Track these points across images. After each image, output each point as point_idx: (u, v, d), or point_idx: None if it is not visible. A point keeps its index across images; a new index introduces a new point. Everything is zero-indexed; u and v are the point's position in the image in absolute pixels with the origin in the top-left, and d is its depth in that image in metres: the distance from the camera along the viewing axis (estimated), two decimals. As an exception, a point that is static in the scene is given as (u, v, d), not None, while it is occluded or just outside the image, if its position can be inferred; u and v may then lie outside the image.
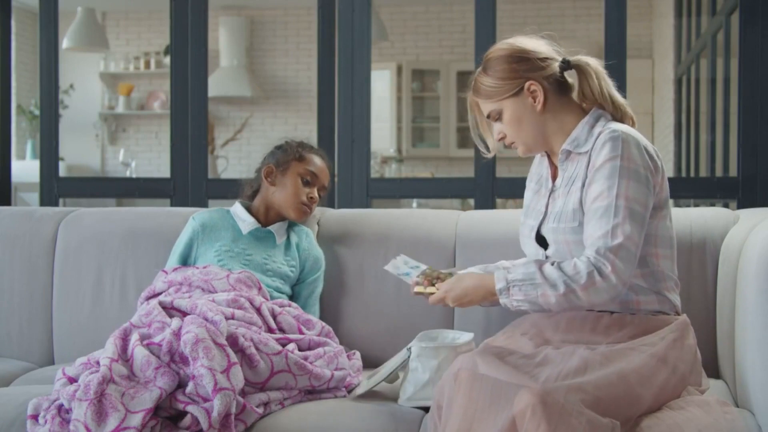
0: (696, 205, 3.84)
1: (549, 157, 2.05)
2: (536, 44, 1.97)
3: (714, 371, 2.15)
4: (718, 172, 4.64)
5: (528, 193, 2.10)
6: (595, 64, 1.99)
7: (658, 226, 1.89)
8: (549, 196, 1.99)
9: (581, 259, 1.80)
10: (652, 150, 1.89)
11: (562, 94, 1.97)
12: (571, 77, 1.99)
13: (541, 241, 1.99)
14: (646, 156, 1.85)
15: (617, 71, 3.19)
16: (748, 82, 3.13)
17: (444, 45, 7.83)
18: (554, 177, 2.02)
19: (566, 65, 1.97)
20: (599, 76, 1.97)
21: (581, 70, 1.97)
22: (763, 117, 3.12)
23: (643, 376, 1.72)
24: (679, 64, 6.06)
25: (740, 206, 3.11)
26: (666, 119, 6.50)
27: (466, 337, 2.04)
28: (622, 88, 3.19)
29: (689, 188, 3.54)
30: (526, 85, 1.93)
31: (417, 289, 2.04)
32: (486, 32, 3.22)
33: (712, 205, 3.71)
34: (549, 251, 1.96)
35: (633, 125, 1.96)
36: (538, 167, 2.10)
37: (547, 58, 1.96)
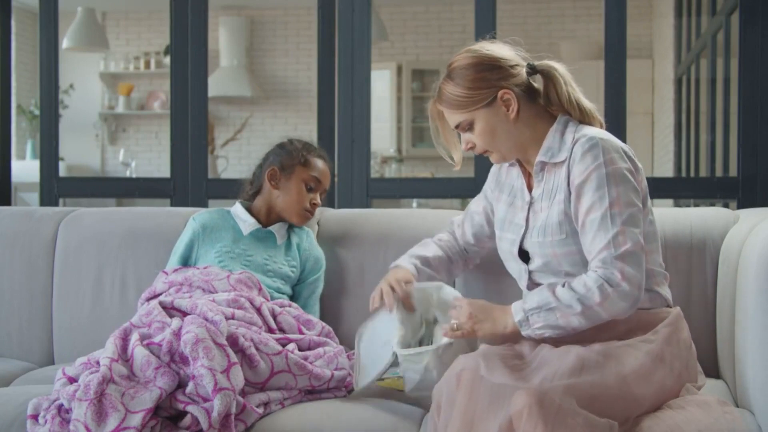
0: (696, 205, 3.84)
1: (521, 165, 2.00)
2: (502, 50, 1.92)
3: (714, 371, 2.15)
4: (718, 172, 4.64)
5: (500, 206, 2.04)
6: (562, 68, 1.93)
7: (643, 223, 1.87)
8: (529, 209, 1.94)
9: (589, 275, 1.77)
10: (628, 150, 1.87)
11: (532, 100, 1.92)
12: (537, 82, 1.94)
13: (523, 255, 1.95)
14: (624, 156, 1.84)
15: (617, 71, 3.19)
16: (748, 82, 3.12)
17: (444, 45, 7.83)
18: (530, 187, 1.97)
19: (532, 70, 1.92)
20: (566, 80, 1.92)
21: (547, 75, 1.92)
22: (763, 117, 3.12)
23: (641, 376, 1.72)
24: (679, 64, 6.06)
25: (740, 206, 3.11)
26: (666, 119, 6.50)
27: (449, 291, 2.01)
28: (622, 88, 3.22)
29: (689, 188, 3.54)
30: (500, 93, 1.87)
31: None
32: (486, 32, 3.20)
33: (712, 205, 3.71)
34: (532, 266, 1.93)
35: (602, 127, 1.93)
36: (507, 177, 2.05)
37: (516, 65, 1.91)
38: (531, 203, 1.94)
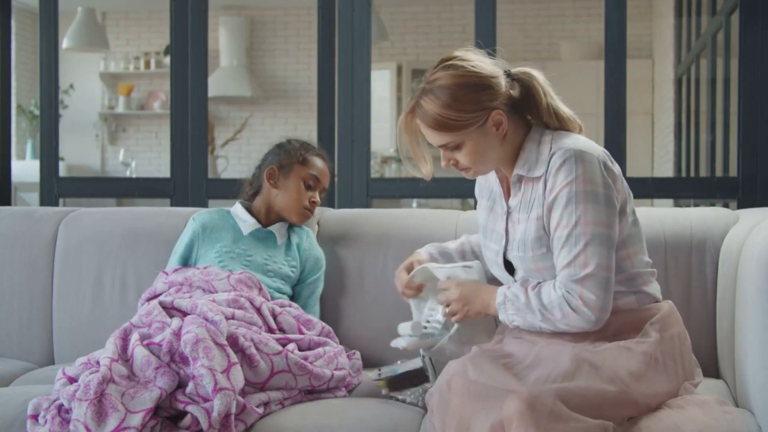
0: (696, 205, 3.84)
1: (499, 170, 1.97)
2: (484, 64, 1.84)
3: (714, 371, 2.15)
4: (718, 172, 4.64)
5: (482, 212, 2.02)
6: (540, 77, 1.88)
7: (624, 228, 1.86)
8: (507, 220, 1.93)
9: (556, 288, 1.78)
10: (605, 157, 1.83)
11: (512, 112, 1.86)
12: (514, 90, 1.87)
13: (509, 266, 1.95)
14: (601, 170, 1.79)
15: (617, 71, 3.19)
16: (748, 82, 3.12)
17: (444, 45, 7.83)
18: (507, 194, 1.95)
19: (509, 78, 1.86)
20: (544, 89, 1.87)
21: (526, 84, 1.87)
22: (763, 117, 3.12)
23: (635, 377, 1.71)
24: (679, 64, 6.06)
25: (740, 206, 3.11)
26: (666, 119, 6.50)
27: (473, 265, 2.01)
28: (622, 88, 3.22)
29: (689, 188, 3.54)
30: (492, 114, 1.81)
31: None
32: (486, 32, 3.22)
33: (712, 205, 3.71)
34: (517, 276, 1.93)
35: (580, 132, 1.90)
36: (486, 181, 2.03)
37: (499, 81, 1.83)
38: (509, 213, 1.93)
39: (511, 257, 1.93)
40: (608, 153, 1.87)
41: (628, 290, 1.87)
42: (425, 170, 1.95)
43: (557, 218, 1.79)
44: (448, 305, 1.96)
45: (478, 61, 1.85)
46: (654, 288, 1.92)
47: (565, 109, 1.91)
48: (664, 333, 1.83)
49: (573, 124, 1.91)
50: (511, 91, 1.86)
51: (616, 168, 1.86)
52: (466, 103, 1.80)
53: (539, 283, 1.83)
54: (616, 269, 1.82)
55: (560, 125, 1.89)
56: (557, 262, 1.80)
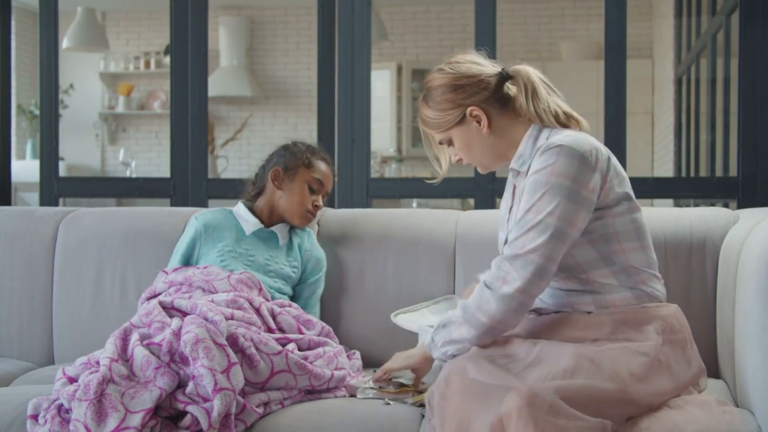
0: (696, 205, 3.84)
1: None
2: (471, 66, 1.94)
3: (714, 371, 2.15)
4: (718, 172, 4.64)
5: (502, 204, 2.09)
6: (530, 74, 1.92)
7: (615, 223, 1.85)
8: (509, 211, 1.98)
9: (480, 280, 1.82)
10: (594, 155, 1.82)
11: (506, 109, 1.94)
12: (510, 89, 1.94)
13: None
14: (578, 166, 1.79)
15: (617, 71, 3.19)
16: (748, 82, 3.13)
17: (444, 45, 7.83)
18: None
19: (505, 77, 1.94)
20: (535, 87, 1.91)
21: (519, 83, 1.92)
22: (763, 117, 3.12)
23: (637, 378, 1.70)
24: (679, 64, 6.06)
25: (740, 206, 3.11)
26: (666, 119, 6.50)
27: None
28: (622, 88, 3.22)
29: (689, 188, 3.55)
30: (468, 111, 1.92)
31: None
32: (486, 32, 3.22)
33: (712, 205, 3.71)
34: None
35: (582, 128, 1.92)
36: (509, 177, 2.07)
37: (483, 80, 1.92)
38: (512, 205, 1.98)
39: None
40: (602, 149, 1.86)
41: (623, 285, 1.86)
42: (444, 166, 2.06)
43: (521, 202, 1.83)
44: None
45: (469, 63, 1.95)
46: (655, 288, 1.90)
47: (563, 104, 1.94)
48: (671, 336, 1.82)
49: (573, 122, 1.92)
50: (507, 89, 1.94)
51: (609, 164, 1.85)
52: (442, 103, 1.94)
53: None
54: (607, 261, 1.84)
55: (559, 122, 1.91)
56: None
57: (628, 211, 1.88)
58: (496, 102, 1.93)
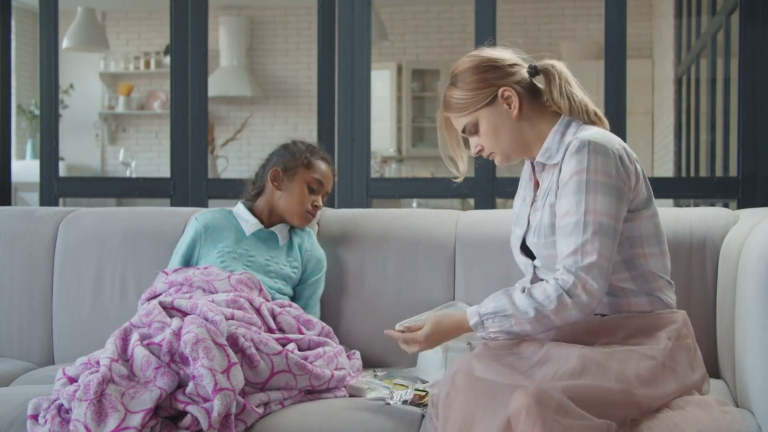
0: (696, 205, 3.84)
1: (532, 163, 2.01)
2: (502, 53, 1.95)
3: (714, 371, 2.15)
4: (718, 172, 4.64)
5: (516, 200, 2.06)
6: (562, 67, 1.95)
7: (641, 226, 1.86)
8: (531, 207, 1.96)
9: (550, 283, 1.78)
10: (625, 153, 1.84)
11: (535, 99, 1.93)
12: (540, 83, 1.95)
13: (528, 252, 1.97)
14: (616, 163, 1.80)
15: (617, 71, 3.19)
16: (748, 82, 3.13)
17: (444, 45, 7.83)
18: (536, 186, 1.99)
19: (534, 71, 1.94)
20: (566, 79, 1.93)
21: (548, 74, 1.93)
22: (763, 117, 3.12)
23: (643, 380, 1.71)
24: (679, 64, 6.06)
25: (740, 206, 3.11)
26: (666, 119, 6.50)
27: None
28: (622, 88, 3.22)
29: (689, 188, 3.54)
30: (500, 92, 1.90)
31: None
32: (486, 32, 3.22)
33: (712, 205, 3.71)
34: (536, 262, 1.94)
35: (605, 127, 1.93)
36: (525, 171, 2.07)
37: (515, 64, 1.93)
38: (533, 201, 1.96)
39: (529, 243, 1.95)
40: (629, 150, 1.87)
41: (640, 290, 1.86)
42: (461, 167, 2.03)
43: (566, 206, 1.80)
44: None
45: (496, 51, 1.95)
46: (668, 297, 1.90)
47: (591, 103, 1.95)
48: (679, 342, 1.82)
49: (600, 119, 1.94)
50: (537, 83, 1.95)
51: (636, 166, 1.86)
52: (474, 82, 1.91)
53: (525, 288, 1.83)
54: (628, 266, 1.84)
55: (588, 119, 1.92)
56: (561, 249, 1.80)
57: (653, 215, 1.89)
58: (527, 90, 1.93)
